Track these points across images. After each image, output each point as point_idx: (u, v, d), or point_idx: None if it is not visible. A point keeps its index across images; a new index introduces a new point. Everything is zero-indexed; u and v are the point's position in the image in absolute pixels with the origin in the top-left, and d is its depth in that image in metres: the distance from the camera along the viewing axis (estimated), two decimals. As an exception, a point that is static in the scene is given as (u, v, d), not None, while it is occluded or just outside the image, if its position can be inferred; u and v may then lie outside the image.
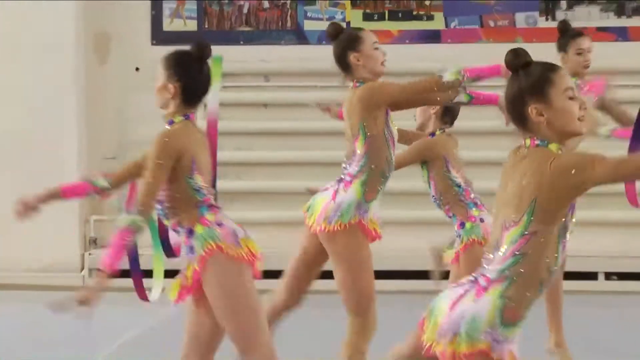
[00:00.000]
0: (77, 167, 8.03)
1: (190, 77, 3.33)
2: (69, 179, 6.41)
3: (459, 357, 2.42)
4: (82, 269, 8.16)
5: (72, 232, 8.15)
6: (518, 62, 2.47)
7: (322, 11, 8.81)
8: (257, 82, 8.59)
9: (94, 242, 8.24)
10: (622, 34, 8.79)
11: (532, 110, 2.38)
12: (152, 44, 8.60)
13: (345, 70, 4.25)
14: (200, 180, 3.30)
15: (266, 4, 8.89)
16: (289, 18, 8.91)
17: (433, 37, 8.70)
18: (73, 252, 8.12)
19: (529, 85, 2.41)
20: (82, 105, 8.58)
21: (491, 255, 2.45)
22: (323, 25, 7.74)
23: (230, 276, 3.42)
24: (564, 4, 8.77)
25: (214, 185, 3.54)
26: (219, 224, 3.33)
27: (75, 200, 7.03)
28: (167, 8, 8.65)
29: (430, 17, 8.73)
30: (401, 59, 7.63)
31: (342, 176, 4.19)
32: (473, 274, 2.50)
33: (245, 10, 8.94)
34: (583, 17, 8.72)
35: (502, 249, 2.40)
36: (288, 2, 8.94)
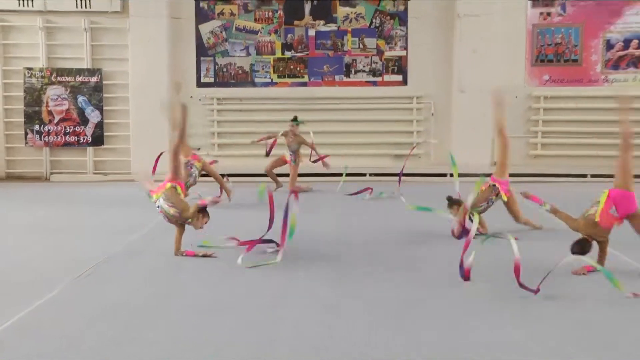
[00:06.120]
0: (167, 133, 14.26)
1: None
2: (164, 137, 14.30)
3: None
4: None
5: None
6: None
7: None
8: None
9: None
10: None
11: None
12: (197, 86, 15.47)
13: None
14: None
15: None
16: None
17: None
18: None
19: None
20: (169, 108, 15.60)
21: None
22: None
23: None
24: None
25: None
26: None
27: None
28: (204, 69, 15.49)
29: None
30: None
31: None
32: None
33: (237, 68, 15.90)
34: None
35: None
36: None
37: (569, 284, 6.22)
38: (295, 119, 12.78)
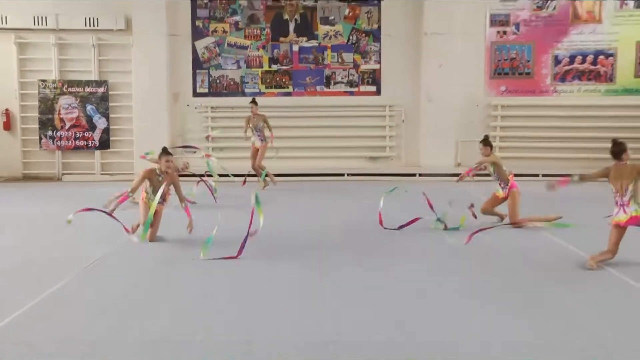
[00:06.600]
0: (167, 137, 14.91)
1: None
2: (164, 141, 14.46)
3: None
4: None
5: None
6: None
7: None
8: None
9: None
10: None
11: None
12: (193, 95, 15.60)
13: None
14: None
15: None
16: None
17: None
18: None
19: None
20: (168, 115, 15.41)
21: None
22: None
23: None
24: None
25: None
26: None
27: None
28: (199, 80, 15.63)
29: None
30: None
31: None
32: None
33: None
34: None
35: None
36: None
37: (566, 280, 6.05)
38: (253, 100, 12.84)
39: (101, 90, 15.58)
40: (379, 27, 15.74)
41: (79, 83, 15.58)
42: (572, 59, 15.42)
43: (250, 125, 12.82)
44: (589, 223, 8.45)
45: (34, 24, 15.34)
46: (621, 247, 6.52)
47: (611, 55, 15.33)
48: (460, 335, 4.58)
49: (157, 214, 7.81)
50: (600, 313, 5.04)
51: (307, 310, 5.10)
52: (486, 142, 8.83)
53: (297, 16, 15.79)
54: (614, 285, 5.86)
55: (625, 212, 6.29)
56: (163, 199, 7.79)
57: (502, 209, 9.12)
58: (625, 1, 15.23)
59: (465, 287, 5.73)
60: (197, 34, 15.80)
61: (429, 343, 4.39)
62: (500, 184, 8.77)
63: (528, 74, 15.53)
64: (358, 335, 4.55)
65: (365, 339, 4.48)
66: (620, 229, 6.41)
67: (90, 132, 15.65)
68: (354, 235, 8.20)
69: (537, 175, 14.73)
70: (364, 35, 15.77)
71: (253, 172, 13.21)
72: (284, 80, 15.85)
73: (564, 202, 10.41)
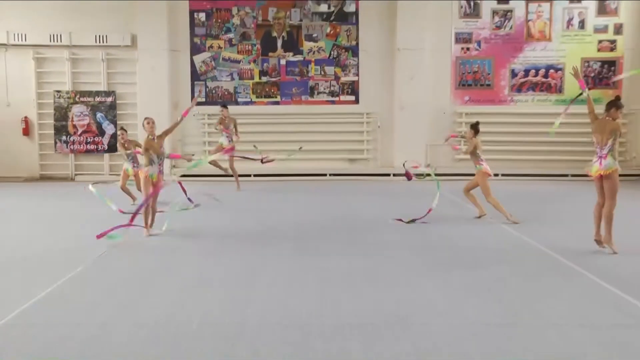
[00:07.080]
0: (167, 141, 15.40)
1: None
2: (164, 144, 14.67)
3: (607, 174, 6.21)
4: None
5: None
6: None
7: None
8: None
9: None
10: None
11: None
12: (192, 104, 16.90)
13: None
14: None
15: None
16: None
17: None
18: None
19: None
20: (169, 122, 14.41)
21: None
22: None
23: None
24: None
25: None
26: None
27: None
28: (197, 91, 15.76)
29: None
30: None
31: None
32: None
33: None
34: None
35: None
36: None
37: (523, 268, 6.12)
38: (224, 105, 12.99)
39: (109, 99, 15.78)
40: (357, 44, 16.01)
41: (89, 93, 15.79)
42: (526, 72, 15.79)
43: (222, 126, 12.79)
44: (558, 220, 8.65)
45: (50, 40, 15.58)
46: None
47: (560, 69, 15.67)
48: (432, 315, 4.69)
49: (157, 180, 7.95)
50: (559, 301, 5.08)
51: (294, 294, 5.14)
52: (472, 126, 9.16)
53: (284, 34, 16.03)
54: (573, 277, 5.84)
55: (600, 163, 6.45)
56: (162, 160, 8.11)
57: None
58: (571, 22, 15.63)
59: (441, 277, 5.75)
60: (195, 49, 16.01)
61: (408, 324, 4.47)
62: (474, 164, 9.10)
63: (488, 85, 15.86)
64: (341, 317, 4.62)
65: (347, 320, 4.55)
66: (596, 179, 6.58)
67: (100, 137, 15.83)
68: (337, 228, 8.24)
69: (497, 175, 15.06)
70: (343, 50, 16.02)
71: (243, 173, 13.19)
72: (272, 90, 16.03)
73: (543, 199, 10.86)
